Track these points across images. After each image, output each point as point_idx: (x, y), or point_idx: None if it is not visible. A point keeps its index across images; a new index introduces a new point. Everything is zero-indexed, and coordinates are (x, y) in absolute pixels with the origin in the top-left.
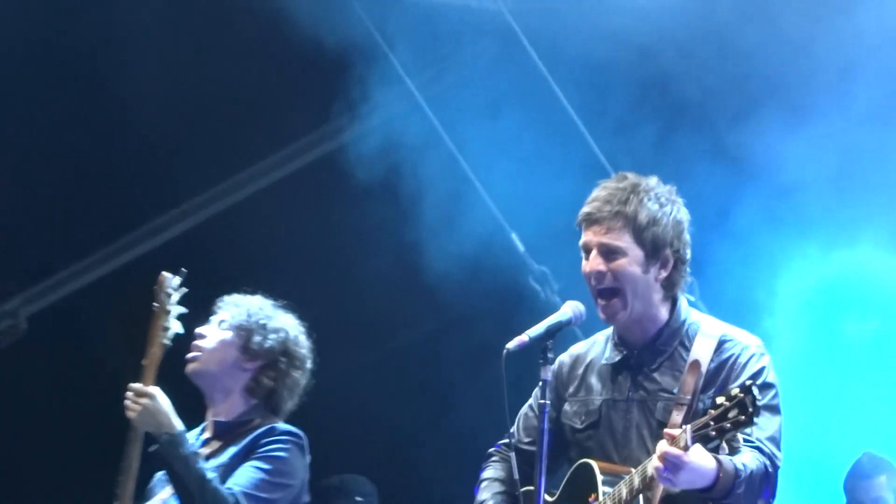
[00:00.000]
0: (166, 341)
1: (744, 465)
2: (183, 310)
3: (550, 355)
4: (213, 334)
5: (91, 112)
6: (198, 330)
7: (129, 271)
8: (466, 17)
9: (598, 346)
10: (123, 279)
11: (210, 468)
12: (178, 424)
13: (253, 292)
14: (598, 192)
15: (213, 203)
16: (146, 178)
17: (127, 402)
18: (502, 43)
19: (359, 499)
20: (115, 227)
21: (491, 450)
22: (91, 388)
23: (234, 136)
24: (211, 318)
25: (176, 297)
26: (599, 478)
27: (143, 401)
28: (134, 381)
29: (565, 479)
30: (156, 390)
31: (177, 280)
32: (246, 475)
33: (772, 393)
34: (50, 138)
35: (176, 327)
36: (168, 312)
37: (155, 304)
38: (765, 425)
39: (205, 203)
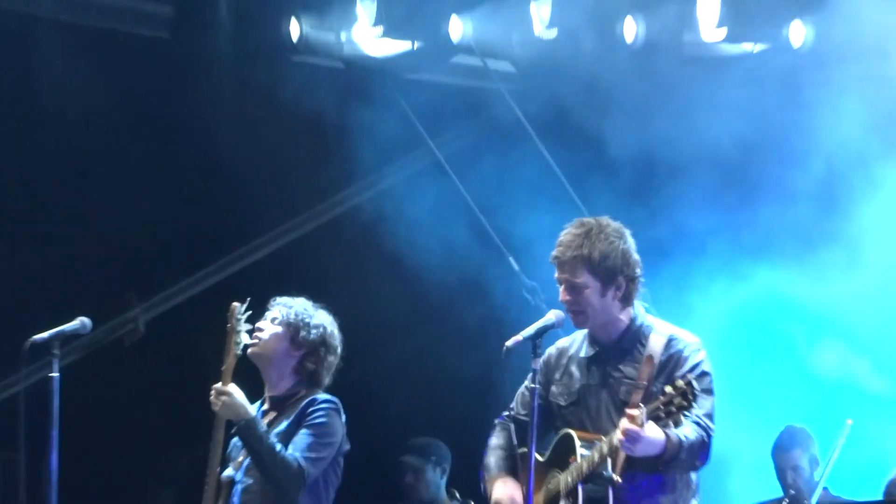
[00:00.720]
0: (238, 352)
1: (686, 436)
2: (249, 327)
3: (539, 350)
4: (268, 329)
5: (195, 161)
6: (257, 324)
7: (222, 287)
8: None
9: (577, 342)
10: (218, 293)
11: (274, 435)
12: (252, 412)
13: (298, 295)
14: (562, 238)
15: (280, 237)
16: (234, 216)
17: (211, 399)
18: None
19: (433, 458)
20: (212, 252)
21: (496, 420)
22: (194, 380)
23: (294, 186)
24: (266, 314)
25: (243, 319)
26: (578, 444)
27: (223, 398)
28: (217, 381)
29: (552, 445)
30: (232, 387)
31: (243, 307)
32: (301, 441)
33: (707, 379)
34: (165, 183)
35: (245, 339)
36: (238, 332)
37: (228, 325)
38: (702, 405)
39: (274, 237)
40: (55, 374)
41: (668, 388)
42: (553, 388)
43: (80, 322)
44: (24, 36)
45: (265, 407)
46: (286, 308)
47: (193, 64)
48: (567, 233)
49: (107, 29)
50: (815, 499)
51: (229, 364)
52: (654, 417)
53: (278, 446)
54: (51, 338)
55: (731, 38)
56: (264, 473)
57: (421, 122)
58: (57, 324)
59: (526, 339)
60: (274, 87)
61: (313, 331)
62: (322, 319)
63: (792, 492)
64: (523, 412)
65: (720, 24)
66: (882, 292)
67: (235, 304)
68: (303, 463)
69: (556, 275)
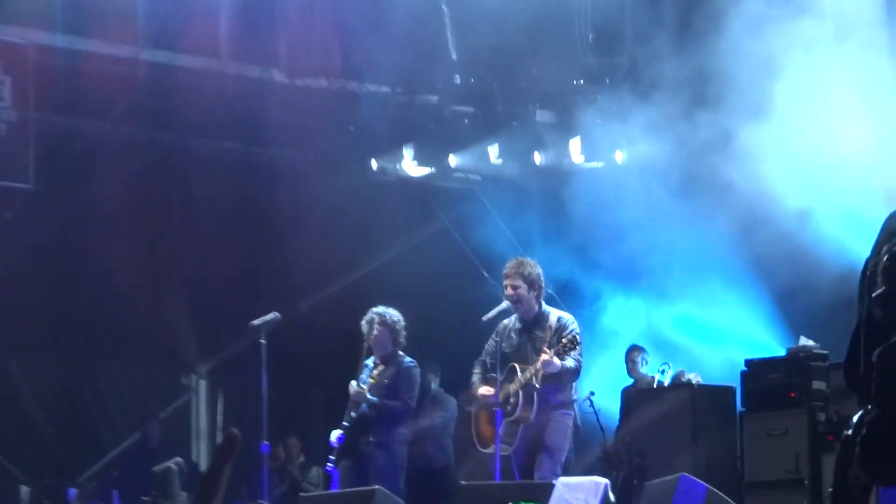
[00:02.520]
0: (362, 382)
1: (569, 365)
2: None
3: (498, 322)
4: (380, 330)
5: (274, 243)
6: (373, 333)
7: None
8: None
9: (513, 320)
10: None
11: (380, 390)
12: (371, 397)
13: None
14: (508, 265)
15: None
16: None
17: (354, 391)
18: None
19: (431, 375)
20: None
21: (476, 360)
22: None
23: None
24: (373, 319)
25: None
26: (518, 369)
27: (361, 394)
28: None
29: (505, 371)
30: (362, 390)
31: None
32: (402, 388)
33: (577, 337)
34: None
35: (370, 361)
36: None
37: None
38: (575, 350)
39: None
40: (263, 341)
41: (563, 340)
42: (503, 344)
43: (274, 314)
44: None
45: (377, 362)
46: (383, 314)
47: (297, 172)
48: (512, 261)
49: None
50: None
51: (360, 367)
52: (556, 354)
53: (382, 401)
54: (261, 324)
55: None
56: (377, 412)
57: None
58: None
59: (492, 317)
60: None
61: (398, 325)
62: (399, 317)
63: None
64: (489, 357)
65: None
66: None
67: (354, 385)
68: (407, 401)
69: (504, 282)
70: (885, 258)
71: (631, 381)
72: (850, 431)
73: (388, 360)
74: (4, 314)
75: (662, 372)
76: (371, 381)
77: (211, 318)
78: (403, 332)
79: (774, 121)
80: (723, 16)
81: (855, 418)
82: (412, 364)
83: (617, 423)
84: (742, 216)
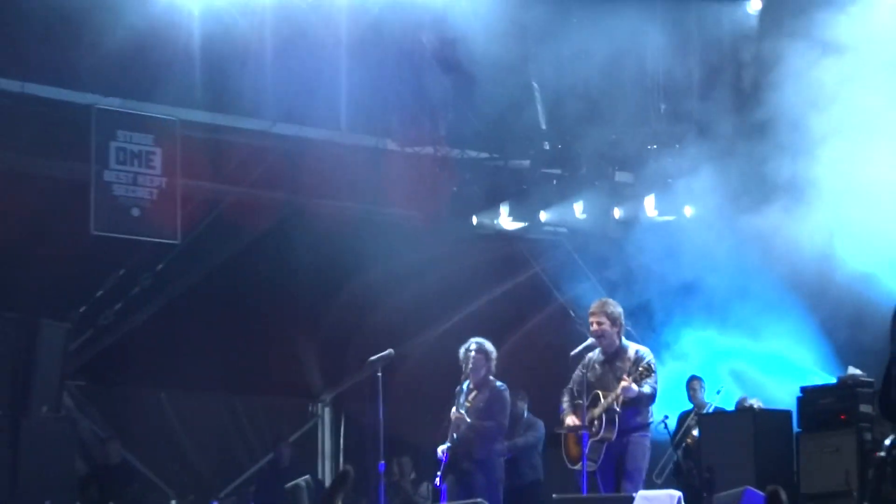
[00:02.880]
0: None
1: (645, 391)
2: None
3: (585, 355)
4: (476, 357)
5: (389, 288)
6: (470, 359)
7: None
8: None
9: (596, 352)
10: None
11: (476, 413)
12: (468, 420)
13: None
14: (594, 305)
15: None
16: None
17: (455, 416)
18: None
19: (520, 402)
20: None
21: (564, 389)
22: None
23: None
24: (471, 347)
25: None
26: (601, 394)
27: (460, 421)
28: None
29: (590, 398)
30: (455, 411)
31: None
32: (496, 410)
33: (652, 366)
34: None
35: (465, 386)
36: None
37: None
38: (651, 377)
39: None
40: (379, 374)
41: (640, 369)
42: (588, 373)
43: (389, 351)
44: None
45: (471, 388)
46: (480, 343)
47: (408, 227)
48: (597, 302)
49: None
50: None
51: (461, 415)
52: (634, 380)
53: (480, 422)
54: (377, 360)
55: None
56: (475, 432)
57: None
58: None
59: (578, 351)
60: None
61: (491, 354)
62: (492, 347)
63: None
64: (577, 386)
65: None
66: None
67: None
68: (500, 422)
69: (590, 319)
70: None
71: (690, 406)
72: (883, 453)
73: (481, 385)
74: (156, 353)
75: (718, 392)
76: (468, 404)
77: (333, 354)
78: (495, 361)
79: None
80: (780, 79)
81: (887, 441)
82: (503, 387)
83: (671, 440)
84: (797, 264)
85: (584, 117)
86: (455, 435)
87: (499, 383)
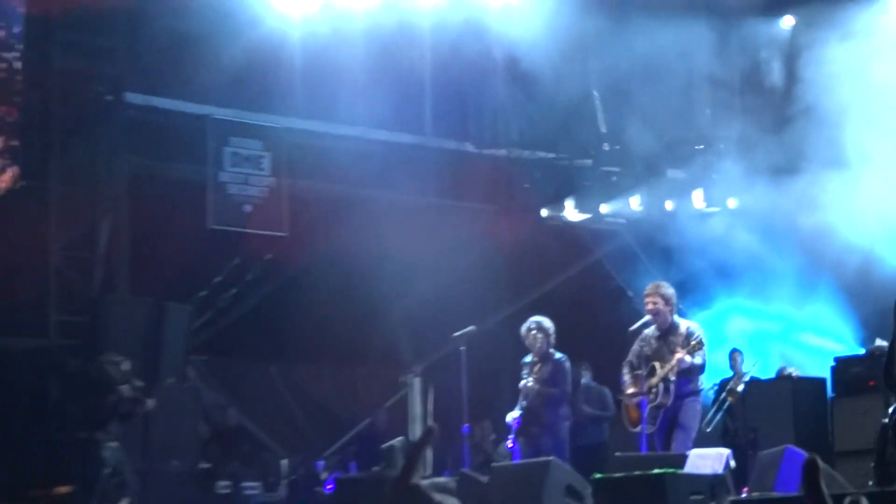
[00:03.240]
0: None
1: (697, 361)
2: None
3: (642, 331)
4: (537, 334)
5: (470, 272)
6: (530, 335)
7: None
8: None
9: (652, 328)
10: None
11: (541, 383)
12: (535, 388)
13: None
14: (649, 287)
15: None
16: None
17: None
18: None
19: (584, 371)
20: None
21: (624, 362)
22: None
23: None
24: (531, 326)
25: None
26: (658, 366)
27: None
28: None
29: (648, 369)
30: (523, 382)
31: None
32: (559, 379)
33: (702, 340)
34: None
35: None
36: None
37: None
38: (701, 350)
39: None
40: (463, 348)
41: (692, 343)
42: (645, 347)
43: (471, 327)
44: None
45: (535, 361)
46: (539, 321)
47: (485, 220)
48: (651, 284)
49: None
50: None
51: (529, 385)
52: (686, 353)
53: (544, 388)
54: (461, 335)
55: None
56: (541, 399)
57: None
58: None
59: (636, 328)
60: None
61: (550, 330)
62: (551, 323)
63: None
64: (635, 358)
65: None
66: None
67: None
68: (565, 388)
69: (645, 300)
70: None
71: (731, 374)
72: (886, 419)
73: (544, 357)
74: (267, 331)
75: (754, 364)
76: (534, 375)
77: (422, 330)
78: (554, 336)
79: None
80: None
81: (891, 409)
82: (563, 358)
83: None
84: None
85: (638, 121)
86: (524, 402)
87: (559, 355)
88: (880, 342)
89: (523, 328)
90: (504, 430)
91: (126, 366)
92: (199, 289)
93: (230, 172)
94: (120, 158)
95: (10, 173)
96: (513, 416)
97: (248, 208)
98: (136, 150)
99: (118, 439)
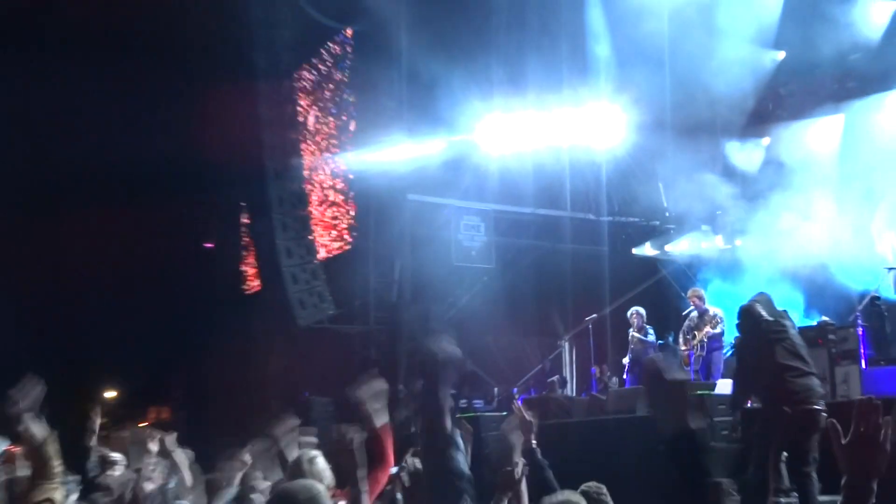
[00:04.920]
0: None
1: (716, 331)
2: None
3: (689, 315)
4: (634, 316)
5: (575, 278)
6: (634, 325)
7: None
8: None
9: (694, 312)
10: None
11: (638, 339)
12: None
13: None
14: (690, 290)
15: None
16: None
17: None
18: None
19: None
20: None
21: (679, 331)
22: None
23: None
24: (631, 311)
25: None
26: (697, 333)
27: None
28: None
29: (692, 335)
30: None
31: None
32: (647, 337)
33: (721, 318)
34: None
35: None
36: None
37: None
38: (721, 324)
39: None
40: (590, 326)
41: (716, 320)
42: (690, 322)
43: (594, 315)
44: None
45: (634, 328)
46: (636, 310)
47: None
48: (691, 289)
49: None
50: None
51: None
52: (712, 327)
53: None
54: (590, 319)
55: None
56: (640, 346)
57: None
58: None
59: (686, 313)
60: None
61: (642, 312)
62: (642, 311)
63: None
64: (686, 329)
65: None
66: None
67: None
68: (655, 343)
69: (689, 297)
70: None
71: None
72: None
73: (639, 328)
74: (487, 317)
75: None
76: (636, 335)
77: (566, 313)
78: (644, 316)
79: None
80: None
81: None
82: (649, 328)
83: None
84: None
85: (682, 200)
86: (631, 349)
87: (648, 327)
88: (825, 318)
89: (628, 313)
90: (615, 370)
91: None
92: (443, 296)
93: (463, 234)
94: (406, 228)
95: (342, 243)
96: (624, 360)
97: (473, 252)
98: (415, 223)
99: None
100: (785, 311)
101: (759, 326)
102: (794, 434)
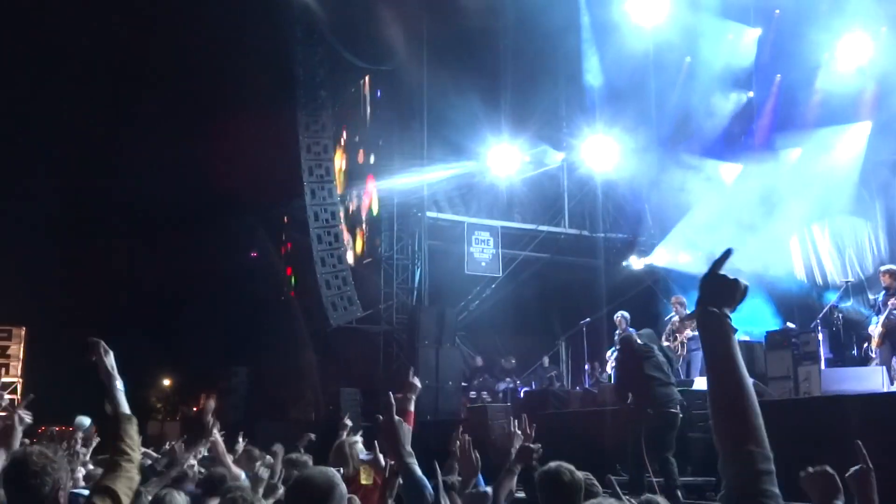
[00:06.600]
0: None
1: (696, 333)
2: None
3: (672, 318)
4: (619, 319)
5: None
6: (620, 326)
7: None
8: None
9: (675, 316)
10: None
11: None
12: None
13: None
14: (673, 297)
15: None
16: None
17: None
18: None
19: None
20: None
21: (663, 333)
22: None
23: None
24: (616, 315)
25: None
26: (678, 335)
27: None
28: None
29: (673, 337)
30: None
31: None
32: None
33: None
34: None
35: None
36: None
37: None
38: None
39: None
40: (584, 329)
41: (694, 323)
42: (671, 326)
43: (588, 319)
44: None
45: (618, 330)
46: (622, 314)
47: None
48: (674, 296)
49: None
50: None
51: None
52: (690, 329)
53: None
54: (584, 322)
55: None
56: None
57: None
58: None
59: (670, 317)
60: None
61: (626, 315)
62: (627, 315)
63: None
64: (669, 331)
65: None
66: None
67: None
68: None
69: (672, 302)
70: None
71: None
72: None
73: (622, 331)
74: (497, 323)
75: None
76: (620, 333)
77: (563, 319)
78: (629, 320)
79: None
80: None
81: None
82: (630, 330)
83: None
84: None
85: (664, 221)
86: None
87: (630, 329)
88: (790, 324)
89: (615, 315)
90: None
91: None
92: (460, 301)
93: (475, 247)
94: (424, 242)
95: (360, 249)
96: (608, 354)
97: (483, 263)
98: (432, 237)
99: None
100: (654, 339)
101: (632, 348)
102: (655, 429)
